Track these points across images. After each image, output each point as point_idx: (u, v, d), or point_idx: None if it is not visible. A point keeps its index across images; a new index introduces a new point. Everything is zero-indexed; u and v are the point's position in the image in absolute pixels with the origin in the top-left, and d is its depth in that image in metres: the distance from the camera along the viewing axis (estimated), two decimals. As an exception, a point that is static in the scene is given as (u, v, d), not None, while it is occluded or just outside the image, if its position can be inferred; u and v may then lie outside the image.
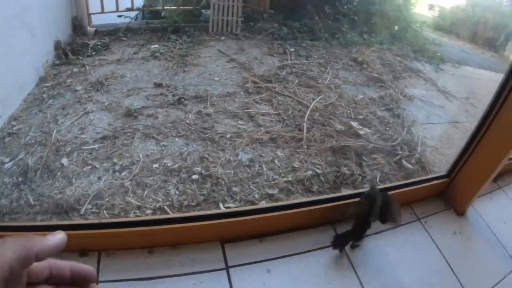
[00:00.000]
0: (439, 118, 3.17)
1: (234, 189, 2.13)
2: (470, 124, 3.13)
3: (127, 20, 4.10)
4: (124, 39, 3.99)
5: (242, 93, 2.99)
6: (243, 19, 4.12)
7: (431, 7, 7.09)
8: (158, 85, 3.08)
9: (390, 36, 4.54)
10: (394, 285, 1.60)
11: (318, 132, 2.48)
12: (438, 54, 4.51)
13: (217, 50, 3.76)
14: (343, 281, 1.46)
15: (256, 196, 2.09)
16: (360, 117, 2.73)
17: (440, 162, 2.60)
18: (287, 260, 1.46)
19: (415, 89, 3.51)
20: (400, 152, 2.45)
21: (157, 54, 3.60)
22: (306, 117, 2.59)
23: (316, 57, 3.60)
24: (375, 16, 4.47)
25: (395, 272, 1.64)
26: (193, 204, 2.01)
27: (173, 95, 2.93)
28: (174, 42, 3.83)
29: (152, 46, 3.80)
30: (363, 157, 2.35)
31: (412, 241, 1.79)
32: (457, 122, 3.21)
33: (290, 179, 2.16)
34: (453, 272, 1.72)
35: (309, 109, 2.67)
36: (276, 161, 2.30)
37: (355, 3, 4.45)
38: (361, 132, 2.49)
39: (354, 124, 2.57)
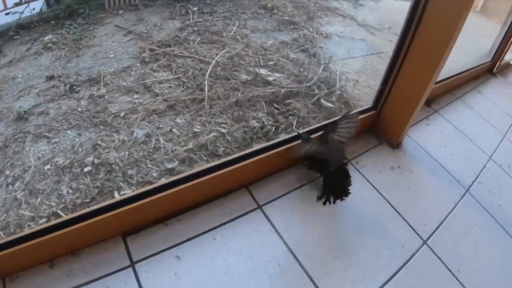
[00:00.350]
0: (361, 51, 2.97)
1: (130, 172, 1.84)
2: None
3: (16, 16, 3.55)
4: (17, 37, 3.47)
5: (138, 64, 2.61)
6: (138, -14, 3.66)
7: None
8: (50, 78, 2.68)
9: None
10: (328, 239, 1.40)
11: (221, 88, 2.16)
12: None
13: (114, 25, 3.31)
14: (267, 252, 1.29)
15: (155, 174, 1.81)
16: (270, 63, 2.44)
17: (367, 95, 2.38)
18: (198, 240, 1.28)
19: (333, 26, 3.27)
20: (317, 92, 2.16)
21: (50, 44, 3.16)
22: (207, 75, 2.25)
23: (221, 11, 3.23)
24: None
25: (328, 227, 1.45)
26: (87, 200, 1.71)
27: (65, 84, 2.54)
28: (68, 28, 3.35)
29: (46, 38, 3.33)
30: (275, 105, 2.05)
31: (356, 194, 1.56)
32: (381, 53, 3.00)
33: (191, 146, 1.84)
34: (397, 211, 1.59)
35: (211, 65, 2.32)
36: (175, 130, 1.98)
37: None
38: (270, 79, 2.19)
39: (262, 71, 2.26)
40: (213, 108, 2.03)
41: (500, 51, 3.51)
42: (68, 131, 2.13)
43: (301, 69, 2.39)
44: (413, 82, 1.67)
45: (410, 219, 1.57)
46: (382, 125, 1.87)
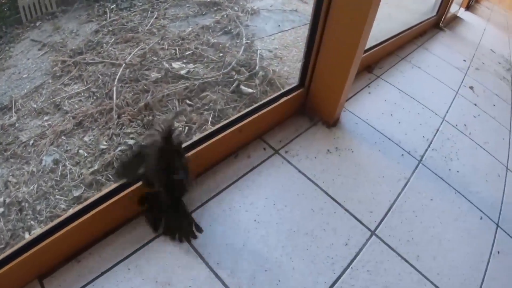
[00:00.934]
0: (293, 23, 2.76)
1: (39, 207, 1.69)
2: None
3: None
4: None
5: (50, 80, 2.39)
6: (53, -8, 3.37)
7: None
8: None
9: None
10: (259, 258, 1.18)
11: (130, 92, 1.93)
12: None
13: (30, 40, 3.04)
14: (190, 275, 1.11)
15: (63, 206, 1.65)
16: (187, 53, 2.20)
17: (298, 71, 2.16)
18: (111, 274, 1.12)
19: (262, 1, 3.03)
20: (236, 77, 1.95)
21: None
22: (116, 80, 2.02)
23: (140, 4, 2.97)
24: None
25: (258, 238, 1.22)
26: (2, 246, 1.52)
27: None
28: None
29: None
30: (188, 102, 1.84)
31: (272, 184, 1.40)
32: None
33: (96, 167, 1.64)
34: (336, 202, 1.38)
35: (121, 68, 2.09)
36: (81, 150, 1.78)
37: None
38: (183, 72, 1.96)
39: (175, 65, 2.04)
40: (122, 117, 1.83)
41: (444, 4, 3.44)
42: (-23, 173, 1.96)
43: (221, 55, 2.16)
44: (339, 50, 1.47)
45: (352, 208, 1.37)
46: (313, 103, 1.65)
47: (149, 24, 2.59)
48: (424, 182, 1.57)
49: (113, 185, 1.13)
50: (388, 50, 2.49)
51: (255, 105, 1.49)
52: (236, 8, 2.75)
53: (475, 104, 2.40)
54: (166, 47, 2.27)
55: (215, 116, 1.77)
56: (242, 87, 1.88)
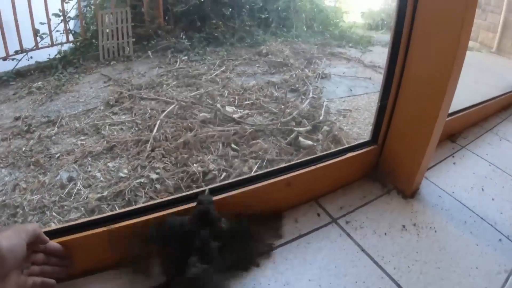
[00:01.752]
0: (366, 89, 2.60)
1: (30, 218, 1.53)
2: None
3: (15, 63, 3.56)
4: (12, 83, 3.46)
5: (102, 107, 2.31)
6: (134, 39, 3.53)
7: (363, 14, 7.39)
8: (17, 119, 2.57)
9: (309, 31, 4.01)
10: None
11: (172, 128, 1.73)
12: (365, 38, 4.00)
13: (100, 74, 3.13)
14: None
15: (54, 225, 1.38)
16: (246, 102, 2.02)
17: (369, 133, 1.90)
18: None
19: (334, 68, 2.95)
20: (296, 129, 1.69)
21: (34, 89, 3.13)
22: (163, 114, 1.85)
23: (211, 59, 2.97)
24: (290, 12, 3.95)
25: None
26: None
27: (26, 125, 2.43)
28: (58, 76, 3.31)
29: (34, 84, 3.30)
30: (233, 146, 1.58)
31: (322, 262, 1.01)
32: None
33: (105, 194, 1.38)
34: None
35: (173, 105, 1.93)
36: (98, 174, 1.55)
37: (261, 1, 3.90)
38: (235, 116, 1.73)
39: (228, 108, 1.82)
40: (156, 150, 1.61)
41: None
42: (3, 170, 1.94)
43: (282, 107, 1.94)
44: (419, 103, 1.19)
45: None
46: (387, 165, 1.34)
47: (214, 74, 2.50)
48: None
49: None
50: (471, 119, 2.24)
51: (312, 156, 1.17)
52: (306, 70, 2.62)
53: None
54: (226, 95, 2.11)
55: (262, 167, 1.48)
56: (301, 139, 1.61)
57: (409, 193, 1.31)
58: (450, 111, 1.83)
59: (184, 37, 3.61)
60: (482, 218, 1.38)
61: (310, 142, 1.58)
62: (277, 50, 3.02)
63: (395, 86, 1.18)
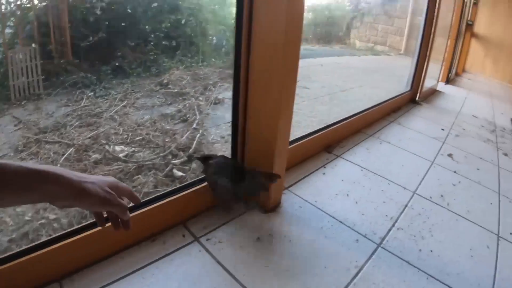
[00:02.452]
0: None
1: None
2: (300, 105, 2.96)
3: None
4: None
5: (12, 153, 2.52)
6: (44, 77, 3.69)
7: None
8: None
9: (214, 54, 4.35)
10: None
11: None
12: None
13: (12, 116, 3.27)
14: None
15: None
16: (137, 138, 2.34)
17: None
18: None
19: (230, 92, 3.26)
20: (171, 162, 2.06)
21: None
22: (62, 158, 2.15)
23: (116, 93, 3.23)
24: (197, 36, 4.28)
25: None
26: None
27: None
28: None
29: None
30: (119, 183, 1.90)
31: (183, 275, 1.19)
32: None
33: (14, 236, 1.67)
34: None
35: (72, 148, 2.22)
36: (9, 219, 1.81)
37: (166, 29, 4.18)
38: (121, 155, 2.07)
39: (117, 148, 2.15)
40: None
41: (417, 79, 3.68)
42: None
43: (167, 140, 2.30)
44: (261, 138, 1.45)
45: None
46: None
47: (114, 111, 2.79)
48: (383, 269, 1.32)
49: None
50: (353, 128, 2.48)
51: (179, 186, 1.44)
52: (200, 98, 2.97)
53: (455, 172, 2.28)
54: (120, 132, 2.42)
55: (141, 199, 1.83)
56: (174, 170, 1.97)
57: (270, 207, 1.51)
58: (330, 122, 2.23)
59: (91, 71, 3.83)
60: (341, 221, 1.53)
61: (180, 173, 1.96)
62: (178, 79, 3.36)
63: (242, 116, 1.49)
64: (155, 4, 4.20)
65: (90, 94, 3.32)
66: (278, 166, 1.46)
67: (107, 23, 3.92)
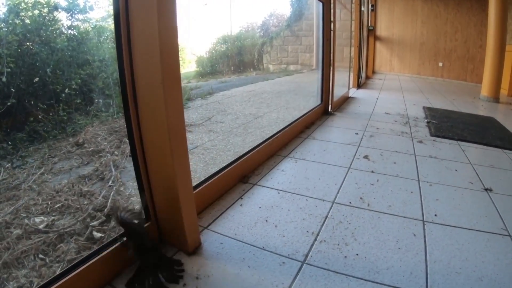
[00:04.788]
0: None
1: None
2: (214, 141, 3.05)
3: None
4: None
5: None
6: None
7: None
8: None
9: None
10: None
11: (-9, 252, 2.04)
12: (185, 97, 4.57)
13: None
14: None
15: None
16: (57, 206, 2.39)
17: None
18: None
19: None
20: (91, 224, 2.13)
21: None
22: (-19, 242, 2.13)
23: (33, 161, 3.23)
24: (108, 89, 4.33)
25: None
26: None
27: None
28: None
29: None
30: (41, 256, 1.96)
31: None
32: (196, 147, 3.11)
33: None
34: None
35: (-9, 229, 2.22)
36: None
37: (78, 86, 4.20)
38: (42, 226, 2.11)
39: (37, 220, 2.19)
40: (-28, 280, 1.89)
41: (325, 91, 3.93)
42: None
43: (85, 203, 2.36)
44: (164, 186, 1.50)
45: None
46: (165, 235, 1.61)
47: (32, 180, 2.80)
48: (311, 284, 1.35)
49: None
50: (266, 153, 2.54)
51: (97, 248, 1.49)
52: (116, 152, 3.04)
53: (372, 171, 2.38)
54: (40, 202, 2.45)
55: (63, 268, 1.89)
56: (94, 232, 2.05)
57: (191, 251, 1.54)
58: (245, 151, 2.27)
59: (6, 141, 3.75)
60: (262, 248, 1.56)
61: (100, 234, 2.05)
62: (93, 136, 3.44)
63: (143, 169, 1.54)
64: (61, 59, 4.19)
65: (7, 165, 3.28)
66: (186, 213, 1.52)
67: (13, 90, 3.88)
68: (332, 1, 4.01)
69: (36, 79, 4.09)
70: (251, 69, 9.43)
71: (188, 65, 7.96)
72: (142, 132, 1.48)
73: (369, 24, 9.27)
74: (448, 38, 9.55)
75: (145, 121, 1.45)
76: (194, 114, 4.16)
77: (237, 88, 6.23)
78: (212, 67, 8.10)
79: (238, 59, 8.85)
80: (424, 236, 1.65)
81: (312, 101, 4.10)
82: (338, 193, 2.03)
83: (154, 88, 1.34)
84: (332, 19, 4.05)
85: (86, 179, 2.74)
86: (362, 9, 6.86)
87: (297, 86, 7.60)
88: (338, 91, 4.68)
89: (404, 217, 1.79)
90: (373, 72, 10.67)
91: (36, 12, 4.13)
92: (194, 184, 1.77)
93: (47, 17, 4.23)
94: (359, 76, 6.80)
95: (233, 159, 2.30)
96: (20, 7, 4.00)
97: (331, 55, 4.04)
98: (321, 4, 3.96)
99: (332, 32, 4.08)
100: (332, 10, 4.02)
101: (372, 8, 9.70)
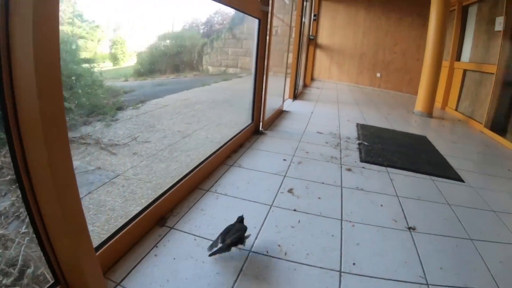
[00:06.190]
0: (91, 186, 2.47)
1: None
2: (137, 168, 2.85)
3: None
4: None
5: None
6: None
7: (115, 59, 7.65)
8: None
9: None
10: None
11: None
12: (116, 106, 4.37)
13: None
14: None
15: None
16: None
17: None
18: None
19: (75, 162, 3.02)
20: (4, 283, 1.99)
21: None
22: None
23: None
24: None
25: None
26: None
27: None
28: None
29: None
30: None
31: None
32: (117, 176, 2.75)
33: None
34: None
35: None
36: None
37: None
38: None
39: None
40: None
41: (256, 110, 3.77)
42: None
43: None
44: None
45: None
46: None
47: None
48: None
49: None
50: (187, 188, 2.27)
51: None
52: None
53: (295, 210, 2.19)
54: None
55: None
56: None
57: None
58: (166, 187, 2.06)
59: None
60: None
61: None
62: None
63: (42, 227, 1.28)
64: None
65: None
66: (90, 277, 1.35)
67: None
68: (269, 19, 3.85)
69: None
70: (190, 70, 9.29)
71: (128, 59, 7.60)
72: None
73: (310, 34, 9.49)
74: (387, 50, 10.05)
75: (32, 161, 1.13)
76: (121, 129, 3.76)
77: (171, 96, 5.95)
78: (151, 65, 7.86)
79: (177, 59, 8.68)
80: (339, 290, 1.51)
81: (245, 115, 3.85)
82: (256, 239, 1.87)
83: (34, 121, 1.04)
84: (268, 38, 3.89)
85: (2, 218, 2.51)
86: (303, 20, 6.91)
87: (233, 95, 7.41)
88: (273, 103, 4.52)
89: (321, 267, 1.67)
90: (312, 79, 10.93)
91: None
92: (107, 235, 1.66)
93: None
94: (295, 87, 6.81)
95: (153, 195, 2.09)
96: None
97: (264, 76, 3.89)
98: (257, 20, 3.77)
99: (267, 51, 3.90)
100: (268, 26, 3.88)
101: (315, 17, 9.90)
